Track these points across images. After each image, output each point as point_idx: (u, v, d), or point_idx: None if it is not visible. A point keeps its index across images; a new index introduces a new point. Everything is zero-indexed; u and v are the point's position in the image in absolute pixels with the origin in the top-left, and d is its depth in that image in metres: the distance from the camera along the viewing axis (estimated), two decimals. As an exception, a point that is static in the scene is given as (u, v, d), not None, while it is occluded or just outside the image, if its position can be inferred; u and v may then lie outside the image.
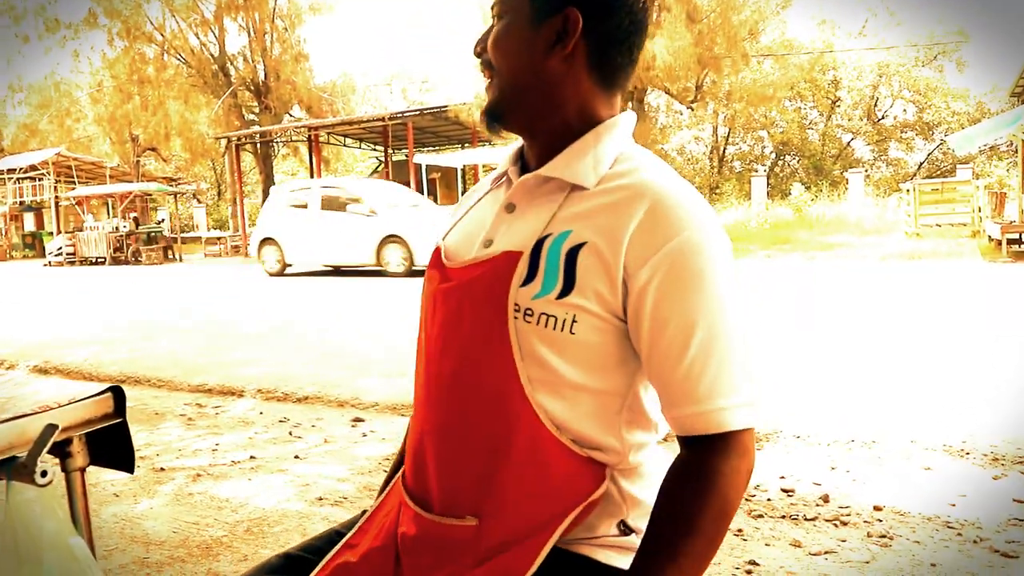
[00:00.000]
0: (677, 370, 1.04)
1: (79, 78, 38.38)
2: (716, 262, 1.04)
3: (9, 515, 1.17)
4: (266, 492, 3.77)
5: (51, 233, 32.81)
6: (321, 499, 3.64)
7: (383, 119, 25.35)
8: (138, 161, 36.42)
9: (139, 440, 4.75)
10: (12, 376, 7.29)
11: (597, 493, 1.10)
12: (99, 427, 1.35)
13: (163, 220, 36.82)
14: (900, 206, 22.61)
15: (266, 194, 31.28)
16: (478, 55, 1.19)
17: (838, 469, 3.75)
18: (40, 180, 33.95)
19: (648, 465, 1.18)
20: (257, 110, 33.06)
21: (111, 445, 1.40)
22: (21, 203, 35.55)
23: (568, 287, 1.04)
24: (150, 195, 35.10)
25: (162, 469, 4.18)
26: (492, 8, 1.17)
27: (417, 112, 25.75)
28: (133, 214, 30.57)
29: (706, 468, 1.04)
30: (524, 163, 1.23)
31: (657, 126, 37.17)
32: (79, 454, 1.34)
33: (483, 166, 24.96)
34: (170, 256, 27.05)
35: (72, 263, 27.00)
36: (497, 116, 1.18)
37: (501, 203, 1.19)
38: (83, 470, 1.36)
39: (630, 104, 22.85)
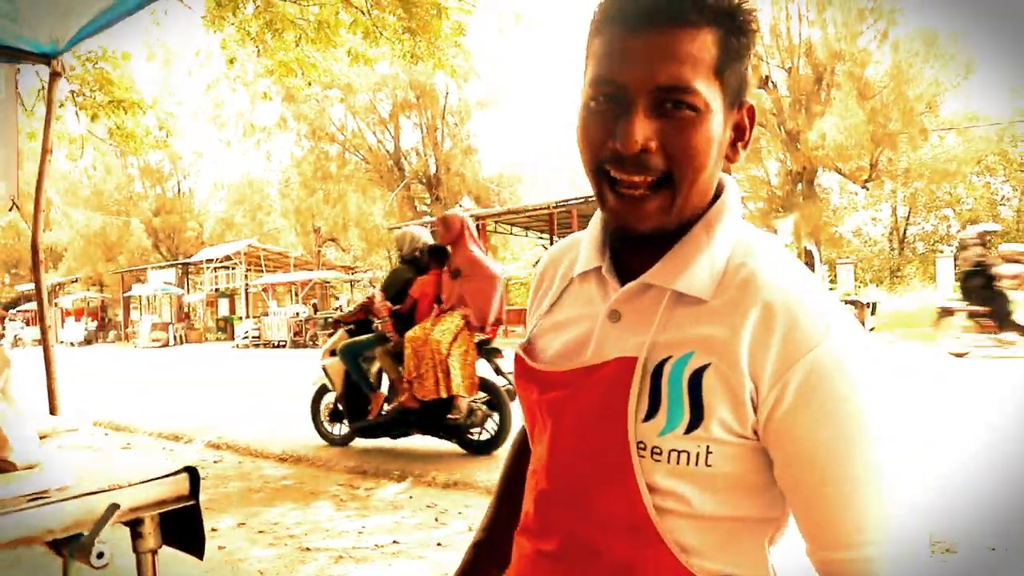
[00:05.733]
0: (813, 510, 0.90)
1: (270, 176, 41.61)
2: (858, 380, 0.87)
3: None
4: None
5: (241, 318, 35.12)
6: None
7: (548, 207, 25.77)
8: (319, 251, 38.67)
9: (290, 519, 4.85)
10: (185, 450, 7.70)
11: None
12: (171, 508, 1.31)
13: (340, 307, 38.66)
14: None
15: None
16: (636, 150, 0.90)
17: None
18: (233, 269, 36.61)
19: None
20: (428, 201, 34.50)
21: (186, 527, 1.36)
22: (216, 290, 38.43)
23: (696, 419, 0.90)
24: (329, 283, 37.03)
25: (308, 549, 4.22)
26: (665, 92, 0.89)
27: (582, 200, 26.02)
28: (313, 300, 32.32)
29: None
30: (613, 251, 1.05)
31: (830, 208, 35.83)
32: (150, 536, 1.30)
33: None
34: (345, 340, 28.23)
35: (257, 345, 28.69)
36: (661, 232, 0.95)
37: (603, 310, 1.01)
38: (155, 552, 1.32)
39: (799, 186, 22.23)
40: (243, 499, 5.45)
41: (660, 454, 0.92)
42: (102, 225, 42.24)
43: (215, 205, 47.20)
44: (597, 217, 1.09)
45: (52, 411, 3.18)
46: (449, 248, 6.27)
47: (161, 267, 38.36)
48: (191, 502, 1.35)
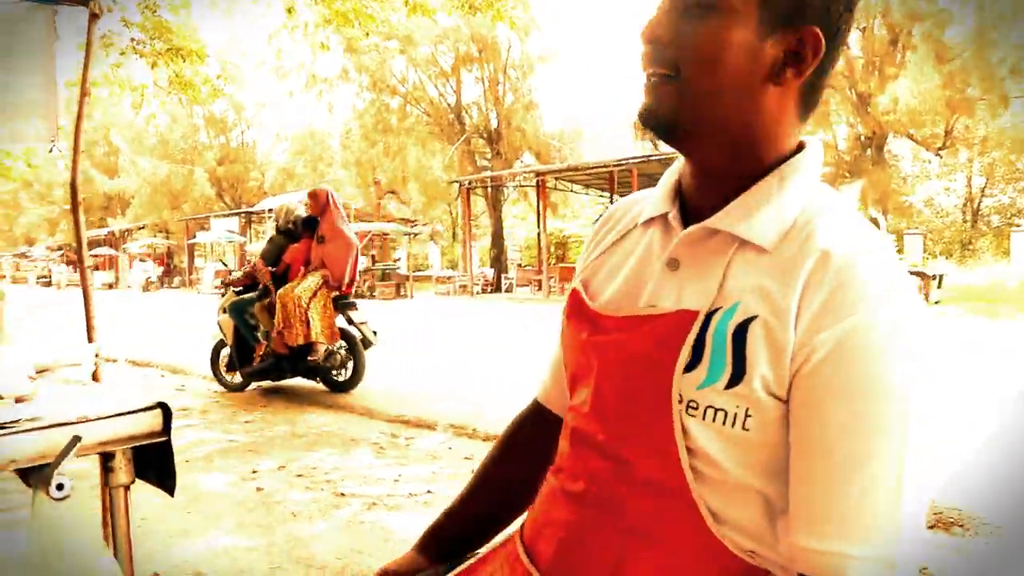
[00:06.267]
0: (803, 485, 0.83)
1: (331, 127, 41.82)
2: (896, 364, 0.80)
3: (32, 526, 1.12)
4: (434, 527, 3.72)
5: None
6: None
7: (608, 165, 25.47)
8: (379, 203, 38.92)
9: (328, 464, 4.90)
10: (235, 393, 7.85)
11: None
12: (143, 444, 1.27)
13: (399, 259, 38.96)
14: None
15: (495, 236, 32.39)
16: (649, 41, 0.91)
17: None
18: (295, 219, 37.11)
19: None
20: (489, 156, 34.40)
21: (160, 463, 1.33)
22: (278, 239, 39.07)
23: (738, 374, 0.84)
24: (388, 235, 37.29)
25: (342, 494, 4.26)
26: None
27: (643, 159, 25.64)
28: (372, 252, 32.62)
29: None
30: (683, 199, 1.01)
31: (900, 176, 34.75)
32: (121, 470, 1.27)
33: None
34: (402, 292, 28.50)
35: (315, 296, 29.12)
36: (671, 130, 0.93)
37: (661, 257, 0.97)
38: (127, 487, 1.29)
39: (868, 152, 21.56)
40: (286, 443, 5.53)
41: (696, 409, 0.86)
42: (168, 173, 43.10)
43: (277, 155, 47.76)
44: (672, 168, 1.06)
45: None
46: (319, 218, 7.30)
47: (224, 216, 39.03)
48: (163, 438, 1.31)
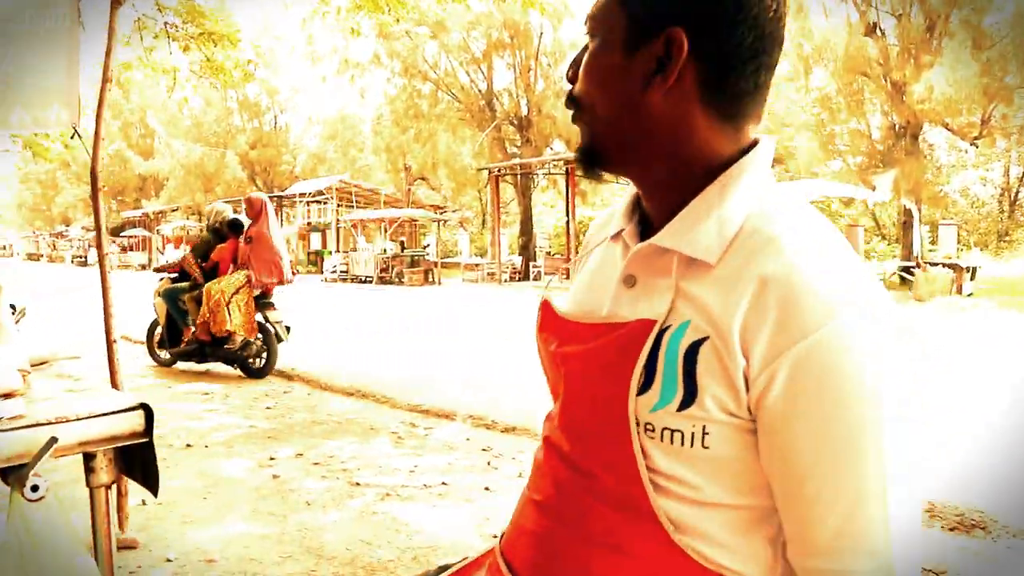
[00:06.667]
0: (791, 508, 0.83)
1: (363, 112, 41.95)
2: (860, 375, 0.77)
3: (10, 527, 1.13)
4: (446, 521, 3.73)
5: (331, 252, 35.84)
6: (496, 536, 3.54)
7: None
8: (409, 189, 38.99)
9: (346, 453, 4.93)
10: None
11: None
12: (125, 444, 1.28)
13: (428, 245, 39.05)
14: None
15: (524, 224, 32.32)
16: (570, 81, 0.97)
17: None
18: (325, 204, 37.25)
19: None
20: (519, 143, 34.27)
21: (144, 462, 1.34)
22: (309, 224, 39.24)
23: (689, 396, 0.83)
24: (417, 221, 37.36)
25: (357, 484, 4.28)
26: (584, 24, 0.96)
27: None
28: (402, 238, 32.73)
29: None
30: (643, 214, 1.00)
31: (935, 165, 34.15)
32: (102, 470, 1.28)
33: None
34: (430, 279, 28.58)
35: (344, 280, 29.30)
36: (591, 160, 0.97)
37: (618, 272, 0.97)
38: (107, 487, 1.31)
39: (902, 140, 21.20)
40: (305, 431, 5.57)
41: (653, 431, 0.86)
42: (201, 156, 43.45)
43: (309, 140, 47.99)
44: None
45: (107, 333, 3.27)
46: (250, 221, 8.09)
47: (256, 199, 39.30)
48: (144, 439, 1.31)
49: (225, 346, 7.87)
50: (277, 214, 38.41)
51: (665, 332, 0.85)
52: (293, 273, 8.22)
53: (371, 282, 28.32)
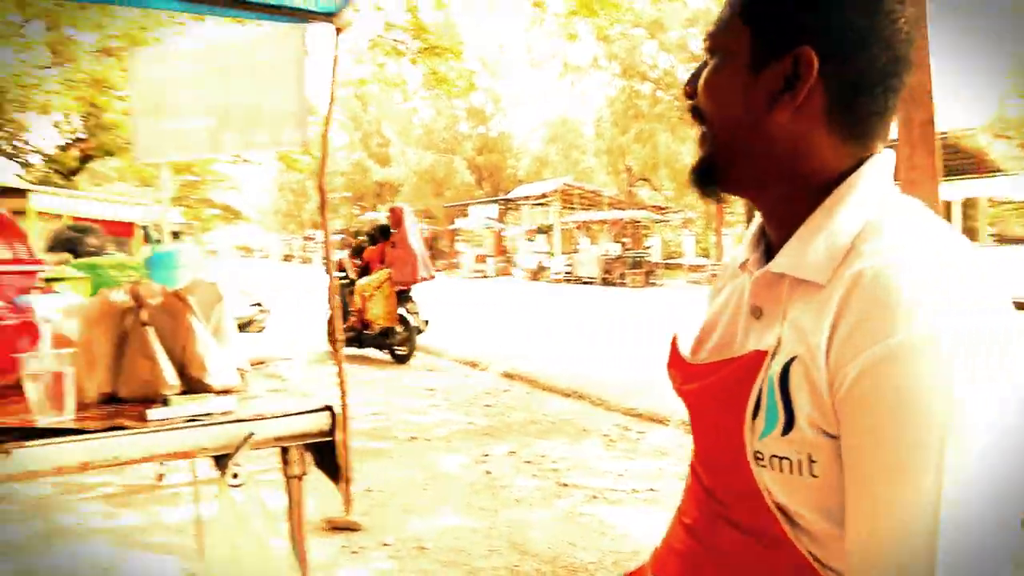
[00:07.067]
0: (853, 528, 0.77)
1: (584, 115, 42.40)
2: (934, 395, 0.70)
3: (220, 507, 1.29)
4: (651, 527, 3.70)
5: (553, 254, 36.53)
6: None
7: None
8: (631, 190, 38.95)
9: (557, 453, 5.02)
10: (481, 377, 8.24)
11: None
12: (314, 441, 1.43)
13: (650, 246, 38.85)
14: None
15: (748, 223, 31.37)
16: (688, 97, 0.97)
17: None
18: (548, 206, 38.04)
19: None
20: (743, 141, 33.38)
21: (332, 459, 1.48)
22: (537, 227, 40.30)
23: (790, 419, 0.81)
24: (639, 222, 37.26)
25: (565, 484, 4.35)
26: (704, 41, 0.95)
27: (891, 142, 23.65)
28: (625, 239, 32.77)
29: None
30: (768, 243, 0.98)
31: None
32: (295, 463, 1.45)
33: (988, 200, 21.99)
34: (651, 280, 28.41)
35: (568, 281, 29.78)
36: (708, 179, 0.95)
37: (746, 303, 0.95)
38: (299, 478, 1.46)
39: None
40: (521, 429, 5.73)
41: (763, 459, 0.84)
42: (432, 162, 45.70)
43: (533, 144, 49.15)
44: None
45: (331, 334, 3.53)
46: (394, 229, 9.32)
47: (482, 203, 40.83)
48: (329, 438, 1.47)
49: (369, 332, 9.24)
50: (503, 218, 39.87)
51: (774, 359, 0.84)
52: (430, 276, 9.18)
53: (594, 282, 28.59)
